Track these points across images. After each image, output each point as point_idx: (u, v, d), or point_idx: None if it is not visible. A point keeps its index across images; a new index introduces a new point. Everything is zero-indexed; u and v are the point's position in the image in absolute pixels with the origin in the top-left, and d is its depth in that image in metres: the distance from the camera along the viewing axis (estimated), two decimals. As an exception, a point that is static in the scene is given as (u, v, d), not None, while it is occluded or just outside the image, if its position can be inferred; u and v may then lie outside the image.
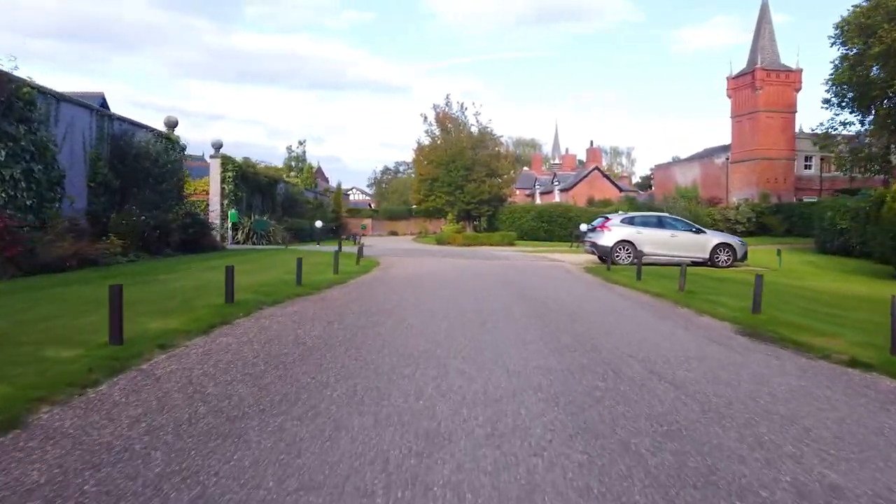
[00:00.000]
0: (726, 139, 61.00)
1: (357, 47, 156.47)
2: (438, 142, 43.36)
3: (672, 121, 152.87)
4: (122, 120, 19.75)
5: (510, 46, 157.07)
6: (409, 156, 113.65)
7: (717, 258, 20.13)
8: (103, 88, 24.35)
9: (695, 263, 20.48)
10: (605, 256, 20.37)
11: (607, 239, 20.18)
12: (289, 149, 63.19)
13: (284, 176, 49.14)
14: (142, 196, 19.31)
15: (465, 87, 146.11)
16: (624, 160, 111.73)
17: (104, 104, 35.15)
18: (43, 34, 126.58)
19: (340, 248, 23.89)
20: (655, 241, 20.18)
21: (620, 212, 22.62)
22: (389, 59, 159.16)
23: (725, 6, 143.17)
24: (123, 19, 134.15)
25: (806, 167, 57.90)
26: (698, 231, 20.54)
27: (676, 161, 70.15)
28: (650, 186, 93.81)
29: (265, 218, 32.05)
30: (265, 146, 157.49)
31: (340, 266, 16.36)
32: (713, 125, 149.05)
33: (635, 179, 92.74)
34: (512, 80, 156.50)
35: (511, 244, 36.52)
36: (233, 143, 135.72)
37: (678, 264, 20.51)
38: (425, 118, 43.96)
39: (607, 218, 21.15)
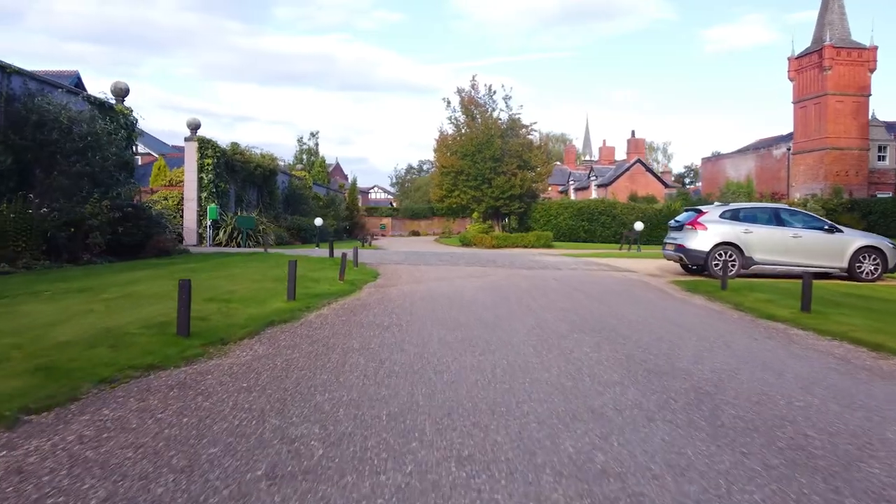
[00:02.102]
0: (774, 131, 54.31)
1: (386, 48, 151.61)
2: (463, 130, 37.45)
3: (707, 117, 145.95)
4: (23, 75, 14.26)
5: (538, 46, 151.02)
6: (432, 153, 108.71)
7: (860, 268, 14.00)
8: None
9: (818, 275, 14.37)
10: (697, 264, 14.44)
11: (702, 241, 14.17)
12: (300, 141, 57.68)
13: (291, 169, 43.61)
14: (50, 180, 13.84)
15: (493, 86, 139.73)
16: (660, 156, 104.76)
17: (79, 84, 30.14)
18: (77, 37, 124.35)
19: (332, 252, 18.18)
20: (771, 244, 14.12)
21: (717, 203, 16.57)
22: (418, 59, 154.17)
23: (757, 4, 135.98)
24: (154, 22, 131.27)
25: (879, 158, 50.78)
26: (831, 229, 14.38)
27: (727, 153, 63.14)
28: (684, 183, 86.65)
29: (254, 215, 26.48)
30: (293, 147, 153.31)
31: (318, 283, 10.70)
32: (753, 120, 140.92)
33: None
34: (541, 80, 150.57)
35: (548, 246, 30.63)
36: (261, 143, 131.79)
37: (800, 276, 14.43)
38: (448, 103, 38.13)
39: (700, 211, 15.08)
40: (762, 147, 57.71)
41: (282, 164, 35.55)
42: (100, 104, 17.30)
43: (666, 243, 15.68)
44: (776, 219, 14.61)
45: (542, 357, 5.22)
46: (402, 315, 7.62)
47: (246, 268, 13.39)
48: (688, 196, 50.75)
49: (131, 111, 18.85)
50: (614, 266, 17.29)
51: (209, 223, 24.87)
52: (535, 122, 38.41)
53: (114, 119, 17.31)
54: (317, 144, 56.54)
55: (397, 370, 4.70)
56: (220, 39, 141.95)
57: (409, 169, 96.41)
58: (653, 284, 12.58)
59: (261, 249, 21.96)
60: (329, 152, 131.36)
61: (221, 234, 25.05)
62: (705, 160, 66.20)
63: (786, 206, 16.21)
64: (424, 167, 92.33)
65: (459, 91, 37.74)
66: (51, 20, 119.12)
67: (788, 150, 52.51)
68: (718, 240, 14.08)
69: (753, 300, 9.69)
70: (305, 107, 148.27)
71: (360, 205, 61.57)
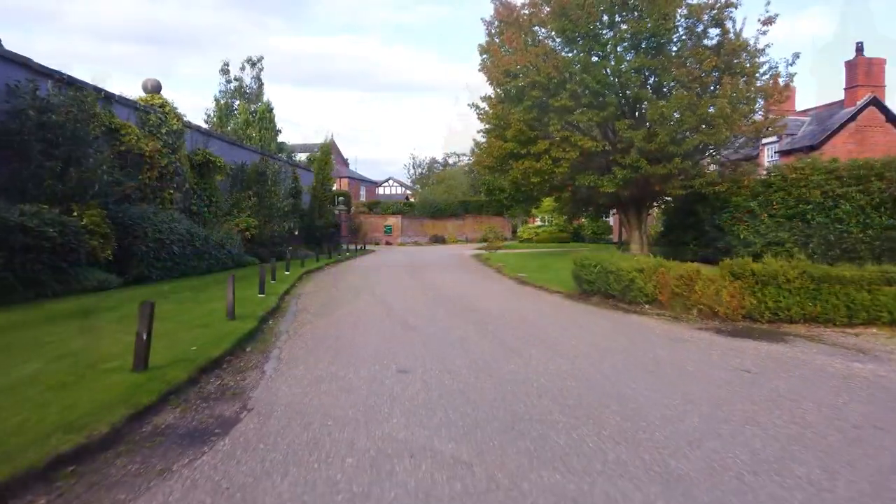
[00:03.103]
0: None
1: (392, 47, 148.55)
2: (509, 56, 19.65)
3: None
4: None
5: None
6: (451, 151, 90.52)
7: None
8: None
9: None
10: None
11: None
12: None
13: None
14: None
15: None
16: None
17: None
18: (120, 39, 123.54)
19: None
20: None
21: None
22: (426, 59, 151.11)
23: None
24: (161, 22, 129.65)
25: (905, 157, 47.10)
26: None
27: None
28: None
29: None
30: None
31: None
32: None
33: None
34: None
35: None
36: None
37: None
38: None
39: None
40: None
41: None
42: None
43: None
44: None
45: None
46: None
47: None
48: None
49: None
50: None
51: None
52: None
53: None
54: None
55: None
56: (227, 40, 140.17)
57: (433, 162, 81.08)
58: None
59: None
60: (335, 151, 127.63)
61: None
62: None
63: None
64: (450, 160, 77.71)
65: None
66: (95, 22, 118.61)
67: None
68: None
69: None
70: (315, 107, 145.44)
71: (354, 198, 53.36)
